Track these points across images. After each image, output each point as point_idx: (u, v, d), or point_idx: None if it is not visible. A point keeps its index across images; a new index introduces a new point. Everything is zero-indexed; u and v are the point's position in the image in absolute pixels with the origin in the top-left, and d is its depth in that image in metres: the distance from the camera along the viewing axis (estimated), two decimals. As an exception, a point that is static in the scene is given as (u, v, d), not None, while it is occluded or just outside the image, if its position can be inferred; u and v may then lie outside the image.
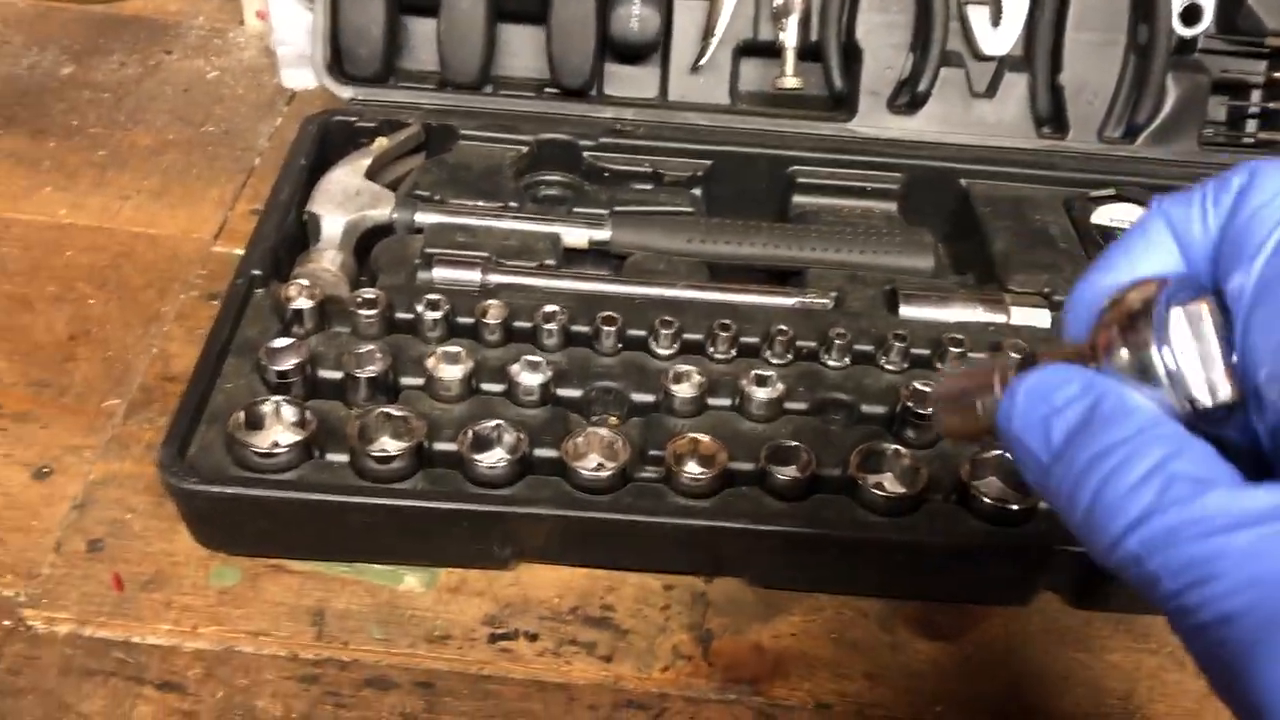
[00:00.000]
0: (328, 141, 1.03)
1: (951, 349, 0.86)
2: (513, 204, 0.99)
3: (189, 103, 1.22)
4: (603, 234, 0.97)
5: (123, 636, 0.73)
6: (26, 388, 0.89)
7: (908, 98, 1.09)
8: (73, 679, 0.70)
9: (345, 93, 1.07)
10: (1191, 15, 1.07)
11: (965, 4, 1.08)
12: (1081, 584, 0.77)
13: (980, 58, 1.09)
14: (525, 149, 1.05)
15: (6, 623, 0.73)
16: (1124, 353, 0.41)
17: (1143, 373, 0.41)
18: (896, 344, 0.86)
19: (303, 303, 0.84)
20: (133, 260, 1.02)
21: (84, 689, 0.70)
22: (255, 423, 0.76)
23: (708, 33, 1.09)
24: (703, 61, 1.10)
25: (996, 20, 1.08)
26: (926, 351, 0.87)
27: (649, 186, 1.06)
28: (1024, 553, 0.76)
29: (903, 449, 0.78)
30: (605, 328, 0.86)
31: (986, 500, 0.76)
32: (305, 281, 0.85)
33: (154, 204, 1.08)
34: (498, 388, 0.82)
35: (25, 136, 1.15)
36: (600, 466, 0.77)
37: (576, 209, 1.01)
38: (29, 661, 0.71)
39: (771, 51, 1.10)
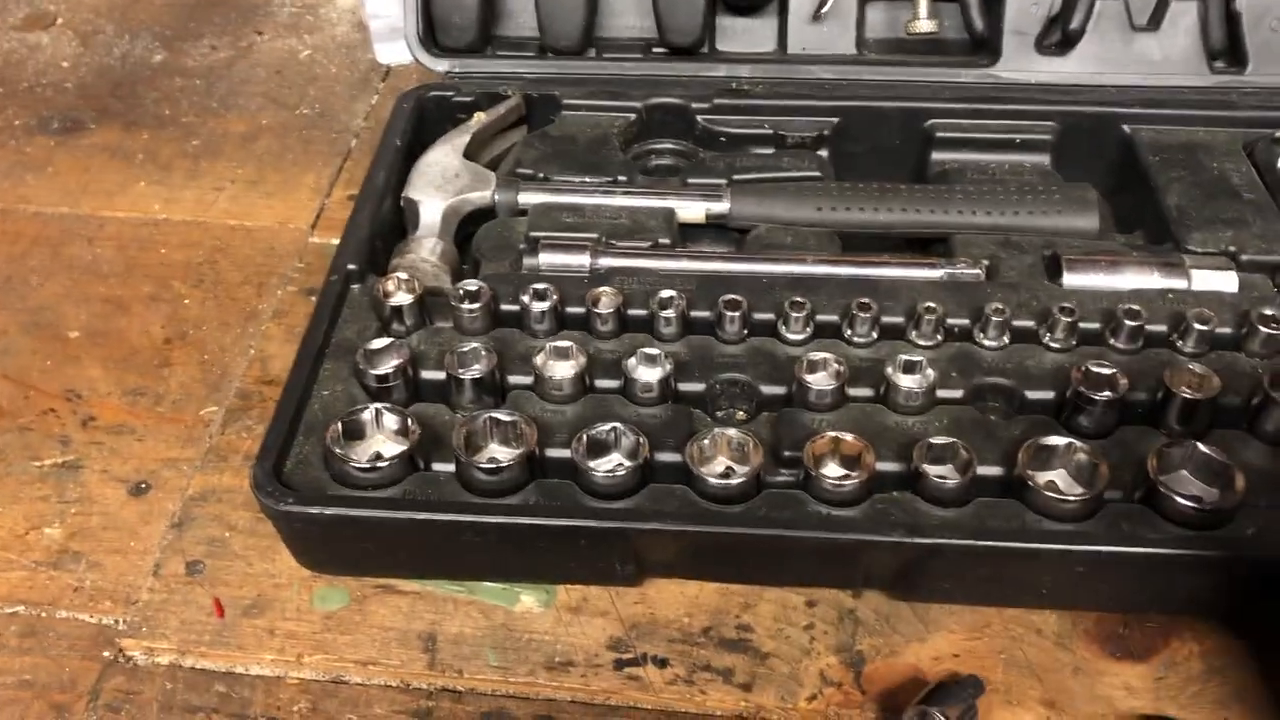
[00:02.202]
0: (424, 119, 0.96)
1: (1127, 321, 0.75)
2: (621, 178, 0.91)
3: (282, 84, 1.17)
4: (721, 206, 0.89)
5: (225, 667, 0.68)
6: (122, 397, 0.85)
7: (1058, 36, 0.97)
8: (174, 716, 0.66)
9: (440, 66, 1.00)
10: (1393, -80, 0.93)
11: (1123, -75, 0.95)
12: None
13: (1141, -15, 0.97)
14: (633, 116, 0.97)
15: (106, 653, 0.69)
16: None
17: None
18: (1062, 318, 0.75)
19: (402, 298, 0.78)
20: (228, 255, 0.97)
21: (185, 728, 0.65)
22: (355, 432, 0.70)
23: (831, -24, 0.98)
24: (825, 9, 0.99)
25: (1160, -60, 0.95)
26: (1097, 326, 0.77)
27: (770, 150, 0.96)
28: (1225, 561, 0.65)
29: (1077, 441, 0.68)
30: (729, 312, 0.77)
31: (1179, 499, 0.65)
32: (404, 275, 0.79)
33: (249, 194, 1.04)
34: (612, 384, 0.75)
35: (119, 129, 1.11)
36: (729, 471, 0.68)
37: (691, 180, 0.92)
38: (129, 697, 0.67)
39: (901, -8, 0.99)
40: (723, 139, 0.97)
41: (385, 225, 0.86)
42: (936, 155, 0.95)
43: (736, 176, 0.92)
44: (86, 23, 1.26)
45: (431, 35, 1.00)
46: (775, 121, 0.96)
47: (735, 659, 0.68)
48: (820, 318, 0.78)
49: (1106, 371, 0.71)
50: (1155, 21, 0.97)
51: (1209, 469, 0.67)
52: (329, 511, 0.66)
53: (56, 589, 0.72)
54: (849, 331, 0.78)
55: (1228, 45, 0.97)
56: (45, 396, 0.85)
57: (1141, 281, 0.80)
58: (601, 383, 0.75)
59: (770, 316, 0.78)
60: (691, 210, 0.89)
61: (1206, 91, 0.96)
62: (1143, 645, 0.68)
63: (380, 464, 0.68)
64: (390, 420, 0.71)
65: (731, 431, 0.70)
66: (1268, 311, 0.75)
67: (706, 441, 0.70)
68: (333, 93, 1.16)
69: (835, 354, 0.74)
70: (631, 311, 0.79)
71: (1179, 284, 0.80)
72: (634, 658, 0.68)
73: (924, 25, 0.97)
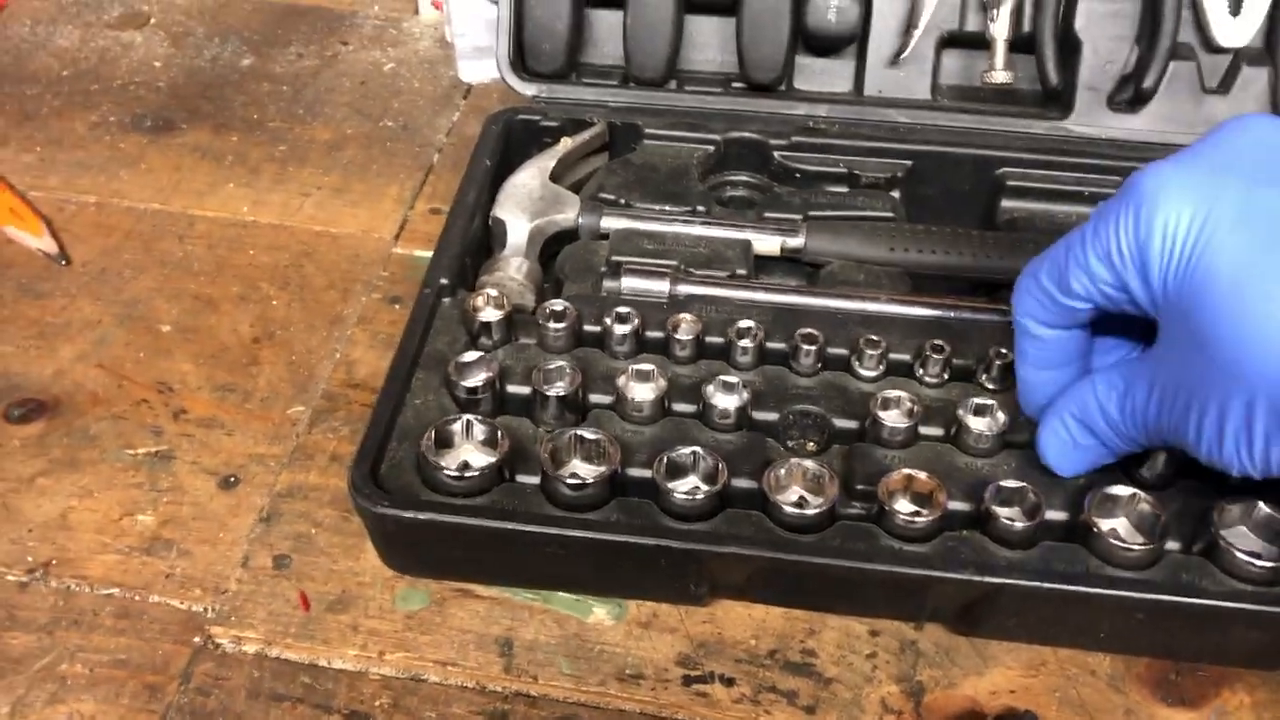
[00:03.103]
0: (510, 141, 1.00)
1: (1191, 378, 0.77)
2: (700, 208, 0.94)
3: (366, 95, 1.21)
4: (797, 241, 0.92)
5: (309, 659, 0.71)
6: (212, 392, 0.88)
7: (1130, 94, 0.99)
8: (261, 703, 0.69)
9: (529, 90, 1.03)
10: None
11: (1199, -10, 0.98)
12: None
13: (1214, 49, 0.99)
14: (712, 148, 1.00)
15: (196, 639, 0.72)
16: None
17: None
18: (1128, 371, 0.78)
19: (490, 314, 0.81)
20: (314, 260, 1.01)
21: (272, 715, 0.68)
22: (445, 441, 0.74)
23: (911, 23, 1.01)
24: (904, 54, 1.02)
25: (1236, 8, 0.97)
26: (1161, 379, 0.79)
27: (844, 189, 0.99)
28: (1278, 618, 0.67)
29: (1140, 492, 0.70)
30: (805, 345, 0.80)
31: (1239, 554, 0.67)
32: (493, 292, 0.82)
33: (334, 201, 1.07)
34: (689, 408, 0.78)
35: (209, 130, 1.15)
36: (803, 501, 0.71)
37: (768, 214, 0.95)
38: (218, 682, 0.70)
39: (977, 43, 1.02)
40: (798, 175, 0.99)
41: (474, 242, 0.90)
42: (1006, 203, 0.98)
43: (812, 213, 0.95)
44: (178, 24, 1.31)
45: (521, 59, 1.04)
46: (850, 161, 0.99)
47: (800, 682, 0.70)
48: (893, 356, 0.81)
49: (1172, 426, 0.73)
50: (1226, 86, 0.99)
51: (1269, 527, 0.70)
52: (422, 516, 0.69)
53: (150, 574, 0.76)
54: (921, 371, 0.80)
55: (1297, 112, 0.99)
56: (139, 387, 0.88)
57: (1206, 339, 0.82)
58: (679, 406, 0.78)
59: (844, 352, 0.81)
60: (767, 243, 0.92)
61: (1274, 156, 0.98)
62: (1195, 692, 0.70)
63: (470, 473, 0.71)
64: (480, 431, 0.74)
65: (808, 463, 0.72)
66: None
67: (783, 471, 0.72)
68: (416, 106, 1.20)
69: (909, 392, 0.77)
70: (709, 339, 0.82)
71: (1243, 344, 0.82)
72: (702, 675, 0.71)
73: (1000, 76, 1.00)
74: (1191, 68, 0.99)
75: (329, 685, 0.70)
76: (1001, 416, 0.75)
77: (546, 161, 0.95)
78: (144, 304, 0.95)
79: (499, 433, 0.73)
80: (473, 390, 0.76)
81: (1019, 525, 0.68)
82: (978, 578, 0.66)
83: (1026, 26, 1.00)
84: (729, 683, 0.70)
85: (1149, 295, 0.60)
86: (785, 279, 0.93)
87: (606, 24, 1.06)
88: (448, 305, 0.83)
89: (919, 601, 0.71)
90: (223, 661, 0.71)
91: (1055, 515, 0.71)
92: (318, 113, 1.18)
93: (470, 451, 0.74)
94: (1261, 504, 0.70)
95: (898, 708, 0.69)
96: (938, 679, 0.71)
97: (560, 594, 0.74)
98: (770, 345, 0.82)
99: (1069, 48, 1.00)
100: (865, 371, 0.80)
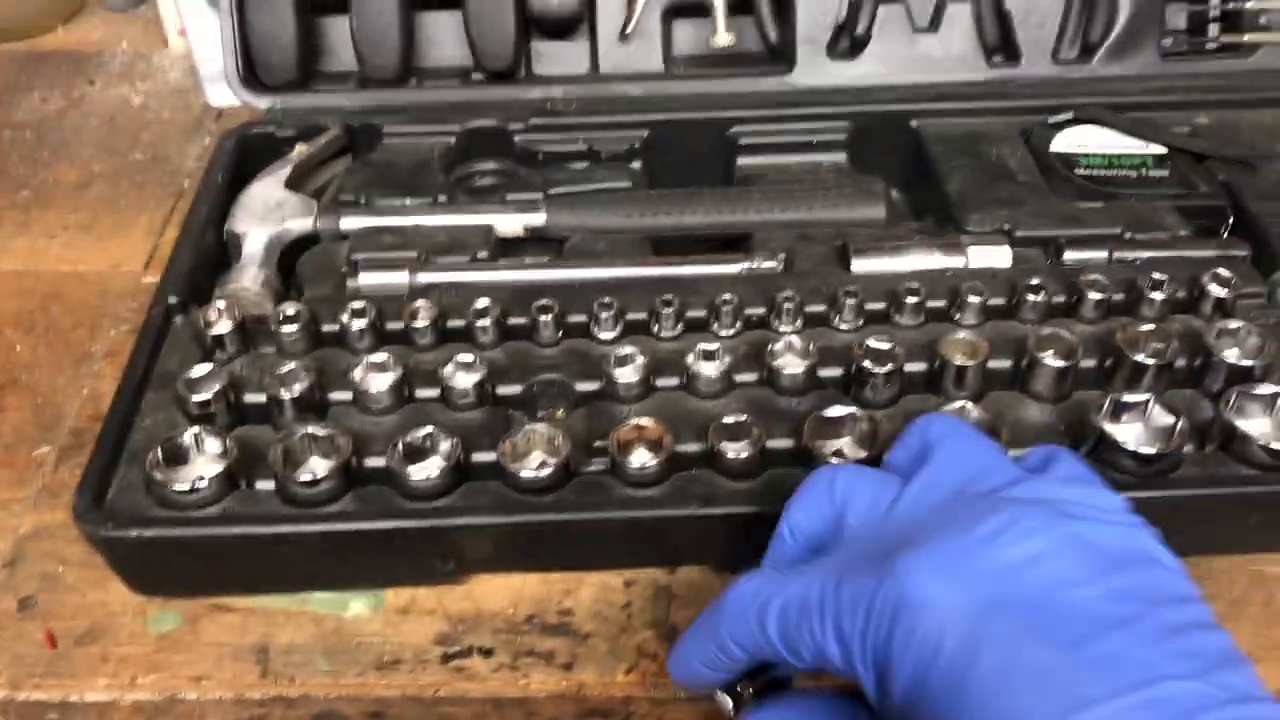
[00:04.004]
0: (247, 156, 0.99)
1: (908, 299, 0.81)
2: (442, 198, 0.95)
3: (114, 132, 1.19)
4: (538, 218, 0.93)
5: (59, 697, 0.69)
6: (-47, 445, 0.85)
7: (847, 42, 1.03)
8: (7, 748, 0.67)
9: (262, 103, 1.02)
10: (1137, -80, 1.02)
11: (897, -64, 1.02)
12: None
13: (920, -10, 1.04)
14: (453, 139, 1.01)
15: (-63, 694, 0.70)
16: None
17: None
18: (848, 301, 0.81)
19: (223, 326, 0.80)
20: (61, 300, 0.98)
21: (18, 757, 0.66)
22: (177, 458, 0.72)
23: (632, -2, 1.04)
24: (630, 29, 1.05)
25: (932, -51, 1.02)
26: (883, 306, 0.82)
27: (586, 165, 1.01)
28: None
29: (857, 410, 0.73)
30: (542, 317, 0.81)
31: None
32: (224, 304, 0.81)
33: (82, 239, 1.05)
34: (433, 393, 0.78)
35: (-53, 186, 1.11)
36: (543, 464, 0.72)
37: (510, 196, 0.96)
38: (-39, 734, 0.68)
39: (701, 10, 1.05)
40: (540, 157, 1.01)
41: (209, 258, 0.89)
42: (742, 160, 1.01)
43: (553, 190, 0.96)
44: (-87, 82, 1.26)
45: (252, 74, 1.03)
46: (589, 137, 1.01)
47: (557, 642, 0.71)
48: (630, 316, 0.83)
49: (885, 346, 0.76)
50: (935, 24, 1.04)
51: (979, 426, 0.73)
52: (148, 533, 0.68)
53: (-114, 637, 0.73)
54: (656, 327, 0.82)
55: (1002, 41, 1.04)
56: (-127, 451, 0.85)
57: (923, 262, 0.86)
58: (422, 392, 0.78)
59: (583, 318, 0.83)
60: (509, 224, 0.93)
61: (985, 85, 1.03)
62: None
63: (200, 484, 0.70)
64: (211, 444, 0.73)
65: (541, 427, 0.74)
66: (1034, 281, 0.82)
67: (520, 438, 0.73)
68: (166, 137, 1.18)
69: (641, 348, 0.78)
70: (450, 323, 0.82)
71: (958, 262, 0.86)
72: (460, 650, 0.71)
73: (723, 39, 1.03)
74: (900, 10, 1.03)
75: (77, 719, 0.68)
76: (728, 359, 0.77)
77: (282, 170, 0.95)
78: (-122, 367, 0.92)
79: (229, 443, 0.72)
80: (204, 404, 0.75)
81: (744, 456, 0.71)
82: (704, 511, 0.68)
83: (744, -12, 1.04)
84: (487, 654, 0.71)
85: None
86: (535, 257, 0.94)
87: (338, 29, 1.06)
88: (180, 323, 0.82)
89: (661, 544, 0.72)
90: (-34, 713, 0.69)
91: (781, 444, 0.73)
92: (63, 154, 1.15)
93: (205, 465, 0.73)
94: (969, 405, 0.73)
95: (653, 650, 0.71)
96: (690, 618, 0.72)
97: (317, 594, 0.74)
98: (512, 322, 0.83)
99: (784, 4, 1.04)
100: (603, 334, 0.82)
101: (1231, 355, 0.77)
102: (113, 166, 1.14)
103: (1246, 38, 1.04)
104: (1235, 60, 1.04)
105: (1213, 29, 1.05)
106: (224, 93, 1.19)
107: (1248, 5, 1.03)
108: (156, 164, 1.14)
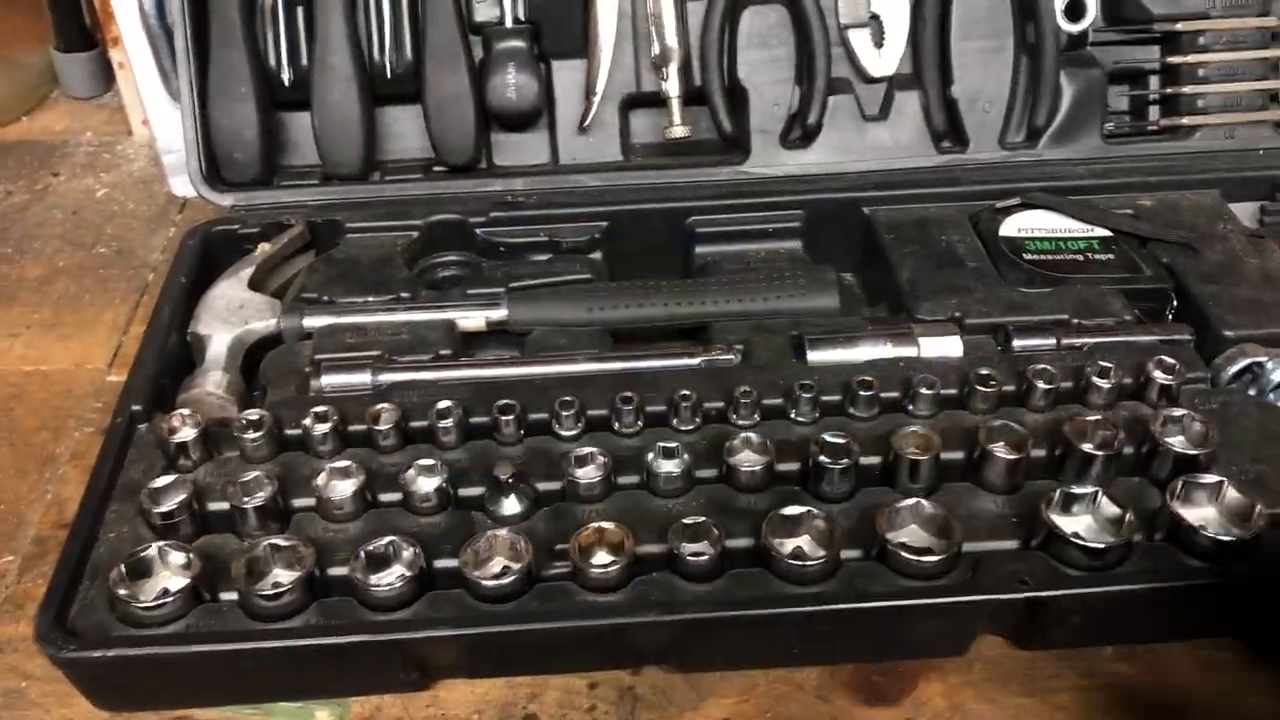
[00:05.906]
0: (210, 254, 1.00)
1: (861, 392, 0.83)
2: (404, 294, 0.96)
3: (79, 225, 1.19)
4: (499, 313, 0.94)
5: (22, 819, 0.69)
6: (-85, 556, 0.85)
7: (800, 131, 1.06)
8: None
9: (226, 200, 1.04)
10: (1075, 10, 1.05)
11: (845, 29, 1.05)
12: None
13: (868, 80, 1.07)
14: (415, 234, 1.02)
15: (-102, 819, 0.69)
16: None
17: None
18: (804, 394, 0.83)
19: (186, 433, 0.81)
20: (24, 401, 0.98)
21: None
22: (141, 572, 0.73)
23: (589, 91, 1.06)
24: (588, 121, 1.07)
25: (879, 41, 1.05)
26: (838, 398, 0.84)
27: (548, 256, 1.02)
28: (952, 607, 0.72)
29: (815, 508, 0.75)
30: (503, 417, 0.82)
31: (904, 554, 0.72)
32: (187, 411, 0.82)
33: (46, 338, 1.05)
34: (395, 497, 0.79)
35: (-91, 283, 1.12)
36: (505, 571, 0.73)
37: (471, 290, 0.97)
38: None
39: (658, 101, 1.08)
40: (502, 249, 1.03)
41: (172, 362, 0.89)
42: (699, 249, 1.03)
43: (514, 284, 0.98)
44: (-124, 176, 1.27)
45: (215, 171, 1.05)
46: (550, 229, 1.03)
47: (522, 748, 0.72)
48: (591, 413, 0.84)
49: (840, 440, 0.78)
50: (885, 112, 1.07)
51: (934, 521, 0.75)
52: (111, 654, 0.68)
53: None
54: (617, 424, 0.84)
55: (949, 127, 1.08)
56: None
57: (876, 353, 0.88)
58: (385, 497, 0.79)
59: (545, 416, 0.84)
60: (472, 320, 0.94)
61: (934, 171, 1.06)
62: (895, 689, 0.74)
63: (165, 600, 0.70)
64: (175, 557, 0.73)
65: (503, 532, 0.74)
66: (984, 371, 0.84)
67: (482, 544, 0.74)
68: (130, 229, 1.19)
69: (602, 447, 0.80)
70: (413, 424, 0.83)
71: (910, 352, 0.88)
72: (426, 759, 0.72)
73: (678, 131, 1.05)
74: (850, 100, 1.06)
75: (41, 842, 0.68)
76: (687, 457, 0.79)
77: (245, 270, 0.96)
78: None
79: (191, 556, 0.73)
80: (168, 515, 0.76)
81: (704, 559, 0.72)
82: (664, 617, 0.69)
83: (697, 81, 1.06)
84: (453, 762, 0.71)
85: None
86: (497, 352, 0.95)
87: (301, 126, 1.08)
88: (143, 431, 0.83)
89: (624, 648, 0.73)
90: (-72, 838, 0.69)
91: (740, 543, 0.74)
92: (26, 249, 1.16)
93: (169, 578, 0.74)
94: (923, 501, 0.75)
95: (617, 755, 0.71)
96: (656, 719, 0.73)
97: (281, 704, 0.74)
98: (475, 421, 0.84)
99: (737, 96, 1.06)
100: (565, 432, 0.83)
101: (1177, 443, 0.79)
102: (77, 261, 1.14)
103: (1185, 120, 1.07)
104: (1175, 143, 1.07)
105: (1153, 112, 1.09)
106: (188, 183, 1.21)
107: (1185, 90, 1.06)
108: (121, 257, 1.15)
